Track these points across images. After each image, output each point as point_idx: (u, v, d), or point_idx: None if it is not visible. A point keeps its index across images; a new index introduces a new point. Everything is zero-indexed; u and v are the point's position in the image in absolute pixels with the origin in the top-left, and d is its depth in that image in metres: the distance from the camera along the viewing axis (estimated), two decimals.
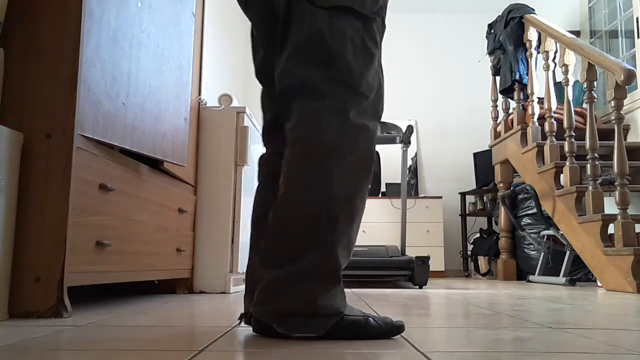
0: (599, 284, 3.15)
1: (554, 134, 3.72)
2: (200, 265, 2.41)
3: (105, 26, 1.54)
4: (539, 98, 4.07)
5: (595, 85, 3.28)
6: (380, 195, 5.32)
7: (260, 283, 1.05)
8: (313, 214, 1.02)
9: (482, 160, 5.17)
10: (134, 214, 1.78)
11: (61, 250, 1.33)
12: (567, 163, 3.45)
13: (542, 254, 3.91)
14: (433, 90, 6.03)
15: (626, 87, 2.98)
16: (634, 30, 4.15)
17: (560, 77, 3.82)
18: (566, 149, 3.47)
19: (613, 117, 3.02)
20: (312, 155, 1.03)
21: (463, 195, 5.44)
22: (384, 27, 1.14)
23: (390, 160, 5.66)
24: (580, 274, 3.73)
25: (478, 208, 5.34)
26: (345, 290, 1.52)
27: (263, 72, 1.19)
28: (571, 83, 3.58)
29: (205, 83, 2.90)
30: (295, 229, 1.03)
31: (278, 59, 1.11)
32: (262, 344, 0.98)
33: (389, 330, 1.06)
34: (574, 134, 3.47)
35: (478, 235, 5.08)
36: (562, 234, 3.57)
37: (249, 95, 5.75)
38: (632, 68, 2.96)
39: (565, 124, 3.49)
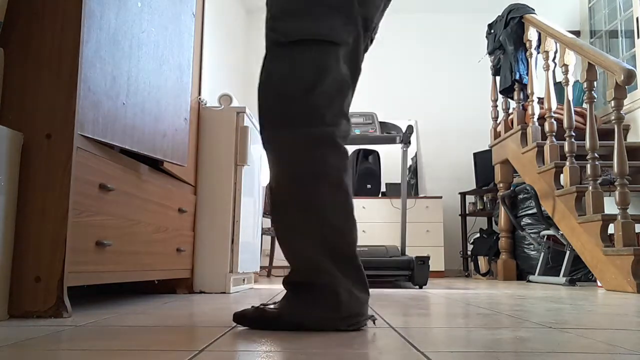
0: (599, 284, 3.15)
1: (554, 134, 3.72)
2: (200, 265, 2.41)
3: (105, 26, 1.54)
4: (539, 98, 4.07)
5: (595, 85, 3.28)
6: (380, 195, 5.32)
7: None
8: None
9: (482, 160, 5.17)
10: (134, 214, 1.78)
11: (61, 250, 1.33)
12: (567, 163, 3.45)
13: (542, 254, 3.91)
14: (433, 90, 6.03)
15: (626, 87, 2.98)
16: (634, 30, 4.15)
17: (560, 77, 3.82)
18: (566, 149, 3.46)
19: (613, 117, 3.02)
20: None
21: (463, 195, 5.44)
22: None
23: (390, 160, 5.66)
24: (580, 274, 3.73)
25: (478, 208, 5.34)
26: None
27: None
28: (571, 83, 3.58)
29: (205, 83, 2.90)
30: None
31: None
32: (262, 344, 0.98)
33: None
34: (574, 134, 3.47)
35: (478, 235, 5.08)
36: (562, 234, 3.57)
37: (249, 95, 5.74)
38: (632, 68, 2.96)
39: (565, 124, 3.49)
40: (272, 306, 1.19)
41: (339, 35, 1.18)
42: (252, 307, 1.22)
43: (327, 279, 1.16)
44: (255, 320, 1.18)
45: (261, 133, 1.22)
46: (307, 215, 1.17)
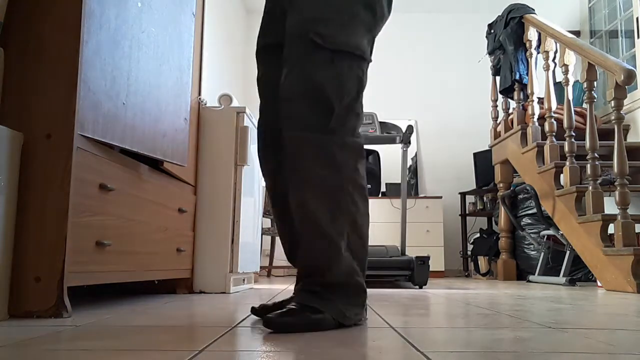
0: (599, 284, 3.15)
1: (554, 134, 3.72)
2: (200, 265, 2.41)
3: (105, 26, 1.54)
4: (539, 98, 4.07)
5: (595, 85, 3.28)
6: (380, 195, 5.32)
7: None
8: None
9: (482, 160, 5.17)
10: (134, 214, 1.78)
11: (61, 250, 1.33)
12: (567, 163, 3.45)
13: (542, 254, 3.91)
14: (433, 90, 6.03)
15: (626, 87, 2.98)
16: (634, 30, 4.15)
17: (560, 77, 3.82)
18: (566, 149, 3.46)
19: (613, 117, 3.02)
20: None
21: (463, 195, 5.44)
22: None
23: (390, 160, 5.66)
24: (580, 274, 3.73)
25: (478, 208, 5.34)
26: None
27: None
28: (571, 83, 3.58)
29: (205, 83, 2.90)
30: None
31: None
32: (262, 344, 0.98)
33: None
34: (574, 134, 3.47)
35: (478, 235, 5.08)
36: (562, 234, 3.57)
37: (248, 95, 5.74)
38: (632, 68, 2.96)
39: (565, 124, 3.49)
40: (292, 305, 1.17)
41: (369, 53, 1.28)
42: (276, 307, 1.22)
43: (358, 278, 1.24)
44: (290, 324, 1.12)
45: (291, 131, 1.20)
46: (340, 218, 1.20)
